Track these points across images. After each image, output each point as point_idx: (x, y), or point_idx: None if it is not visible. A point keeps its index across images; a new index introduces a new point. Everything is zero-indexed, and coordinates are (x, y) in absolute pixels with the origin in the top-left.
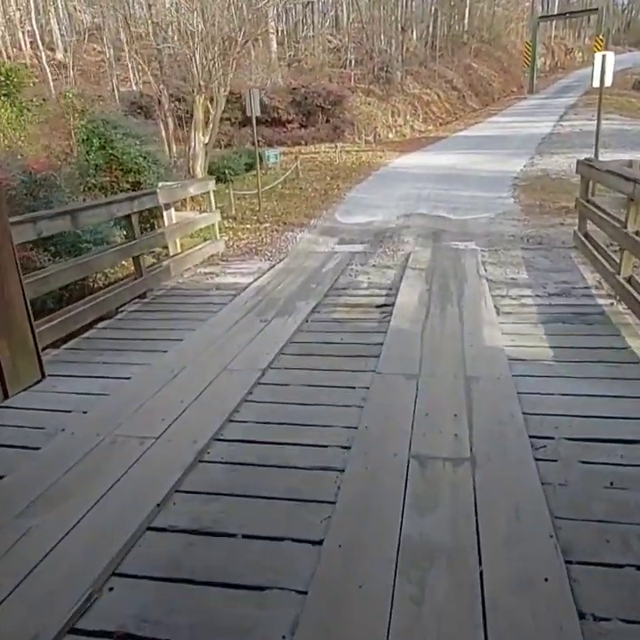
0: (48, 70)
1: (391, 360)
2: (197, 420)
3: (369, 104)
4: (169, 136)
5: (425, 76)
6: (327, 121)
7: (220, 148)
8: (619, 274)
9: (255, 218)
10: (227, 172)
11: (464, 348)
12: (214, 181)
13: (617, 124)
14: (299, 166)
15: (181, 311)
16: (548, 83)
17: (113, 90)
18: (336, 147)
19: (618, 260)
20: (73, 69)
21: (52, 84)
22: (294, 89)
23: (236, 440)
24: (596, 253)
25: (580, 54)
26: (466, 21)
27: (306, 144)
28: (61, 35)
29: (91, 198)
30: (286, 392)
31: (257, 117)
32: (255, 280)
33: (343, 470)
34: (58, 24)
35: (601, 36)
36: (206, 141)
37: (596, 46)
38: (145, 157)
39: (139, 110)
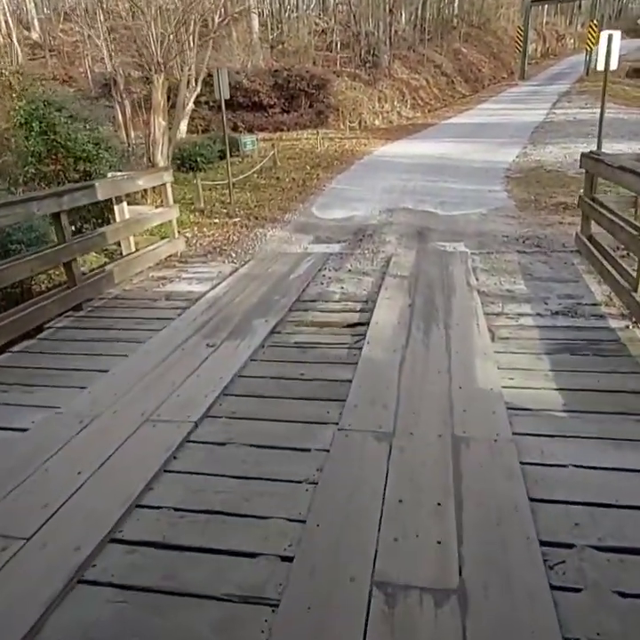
0: (19, 49)
1: (359, 408)
2: (88, 510)
3: (355, 89)
4: (126, 120)
5: (413, 60)
6: (311, 106)
7: (198, 133)
8: (635, 291)
9: (225, 211)
10: (199, 159)
11: (451, 389)
12: (171, 172)
13: (612, 112)
14: (277, 154)
15: (118, 329)
16: (540, 69)
17: (86, 71)
18: (317, 133)
19: (633, 273)
20: (48, 49)
21: (22, 62)
22: (276, 71)
23: (137, 542)
24: (603, 261)
25: (572, 41)
26: (456, 5)
27: (288, 130)
28: (37, 14)
29: (30, 190)
30: (220, 458)
31: (238, 102)
32: (212, 288)
33: (275, 606)
34: (34, 2)
35: (595, 22)
36: (167, 125)
37: (590, 32)
38: (97, 144)
39: (111, 92)
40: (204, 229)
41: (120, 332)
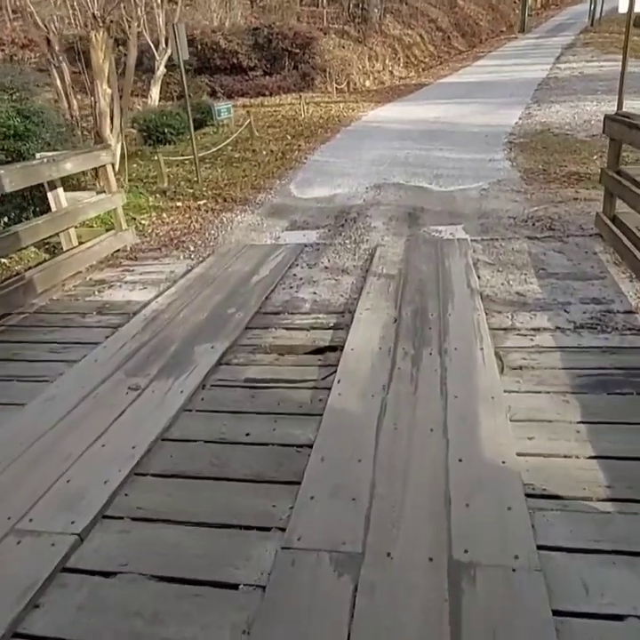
0: None
1: (317, 504)
2: None
3: (343, 47)
4: (66, 88)
5: (406, 14)
6: (295, 67)
7: (173, 100)
8: None
9: (191, 191)
10: (167, 131)
11: (448, 464)
12: (111, 150)
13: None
14: (254, 123)
15: (23, 360)
16: (541, 20)
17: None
18: (301, 98)
19: None
20: (11, 10)
21: None
22: (256, 30)
23: None
24: (634, 250)
25: None
26: None
27: (271, 94)
28: None
29: None
30: (103, 604)
31: (215, 64)
32: (156, 298)
33: None
34: None
35: None
36: (116, 93)
37: None
38: (27, 117)
39: (77, 57)
40: (164, 215)
41: (25, 367)
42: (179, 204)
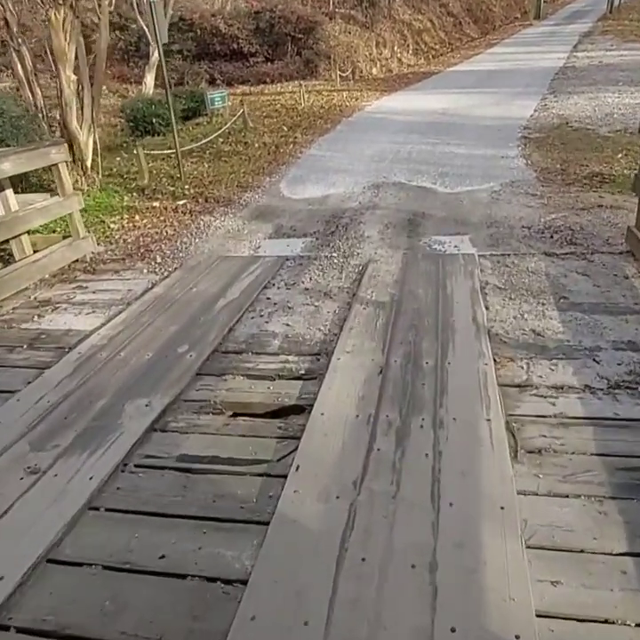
0: None
1: None
2: None
3: (349, 33)
4: (28, 74)
5: None
6: (298, 53)
7: (171, 87)
8: None
9: (172, 189)
10: (155, 121)
11: (435, 637)
12: (65, 147)
13: None
14: (247, 112)
15: None
16: (557, 7)
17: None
18: (301, 86)
19: None
20: None
21: None
22: (258, 14)
23: None
24: None
25: None
26: None
27: (272, 82)
28: None
29: None
30: None
31: (215, 50)
32: (101, 327)
33: None
34: None
35: None
36: (83, 80)
37: None
38: None
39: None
40: (137, 218)
41: None
42: (156, 204)
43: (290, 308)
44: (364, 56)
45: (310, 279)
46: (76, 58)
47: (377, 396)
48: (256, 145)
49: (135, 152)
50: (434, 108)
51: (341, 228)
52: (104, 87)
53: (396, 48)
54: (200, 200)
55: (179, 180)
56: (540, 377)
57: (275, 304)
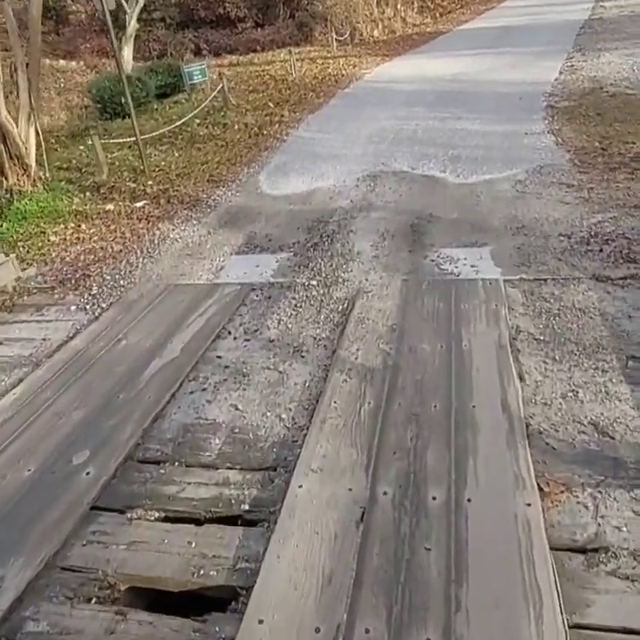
0: None
1: None
2: None
3: None
4: None
5: None
6: (291, 17)
7: (152, 60)
8: None
9: (133, 186)
10: (124, 102)
11: None
12: None
13: None
14: (231, 87)
15: None
16: None
17: None
18: (291, 54)
19: None
20: None
21: None
22: None
23: None
24: None
25: None
26: None
27: (263, 50)
28: None
29: None
30: None
31: (200, 16)
32: None
33: None
34: None
35: None
36: None
37: None
38: None
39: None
40: (83, 227)
41: None
42: (110, 206)
43: (245, 375)
44: (365, 16)
45: (278, 323)
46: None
47: (352, 577)
48: (236, 127)
49: (90, 142)
50: (442, 73)
51: (326, 238)
52: (81, 62)
53: (399, 6)
54: (162, 201)
55: (142, 174)
56: (618, 529)
57: (226, 368)
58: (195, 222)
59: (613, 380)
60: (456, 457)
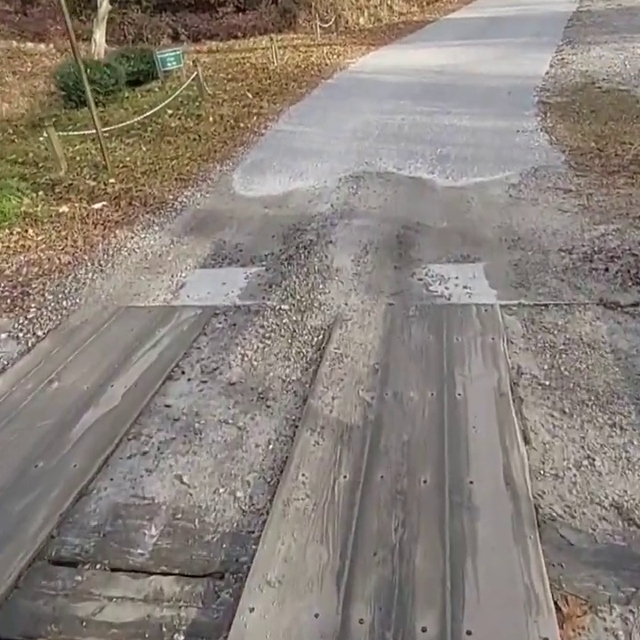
0: None
1: None
2: None
3: None
4: None
5: None
6: (274, 2)
7: (128, 44)
8: None
9: (92, 185)
10: (91, 89)
11: None
12: None
13: None
14: (209, 75)
15: None
16: None
17: None
18: (273, 41)
19: None
20: None
21: None
22: None
23: None
24: None
25: None
26: None
27: (244, 36)
28: None
29: None
30: None
31: (178, 0)
32: None
33: None
34: None
35: None
36: None
37: None
38: None
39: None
40: (31, 232)
41: None
42: (64, 208)
43: (197, 432)
44: (350, 3)
45: (242, 359)
46: None
47: None
48: (211, 118)
49: (45, 135)
50: (429, 64)
51: (303, 249)
52: (51, 45)
53: None
54: (123, 202)
55: (104, 171)
56: None
57: (175, 422)
58: (157, 229)
59: (634, 442)
60: (451, 559)
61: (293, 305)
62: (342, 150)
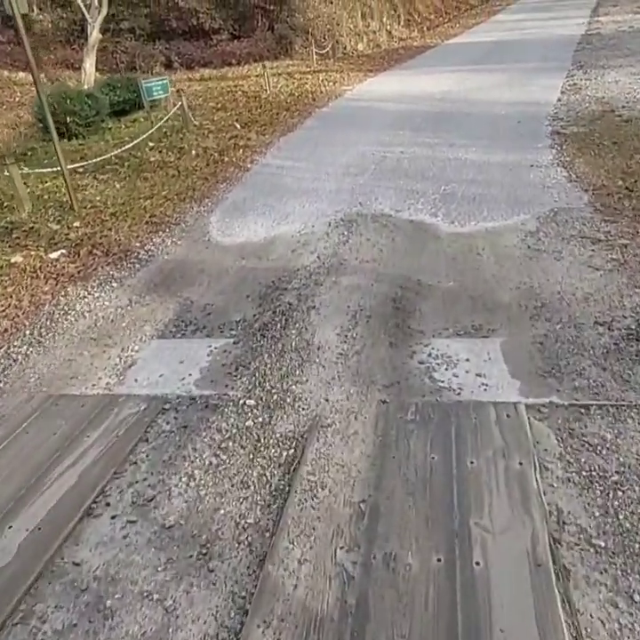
0: None
1: None
2: None
3: (331, 2)
4: None
5: None
6: (270, 29)
7: (120, 72)
8: None
9: (54, 228)
10: (70, 120)
11: None
12: None
13: None
14: (197, 104)
15: None
16: None
17: None
18: (265, 68)
19: None
20: None
21: None
22: None
23: None
24: None
25: None
26: None
27: (239, 63)
28: None
29: None
30: None
31: (171, 27)
32: None
33: None
34: None
35: None
36: None
37: None
38: None
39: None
40: None
41: None
42: (17, 258)
43: (106, 616)
44: (348, 29)
45: (187, 484)
46: None
47: None
48: (194, 152)
49: (6, 173)
50: (431, 91)
51: (280, 315)
52: (42, 75)
53: (385, 19)
54: (83, 251)
55: (71, 212)
56: None
57: (81, 593)
58: (115, 285)
59: None
60: None
61: (261, 399)
62: (334, 188)
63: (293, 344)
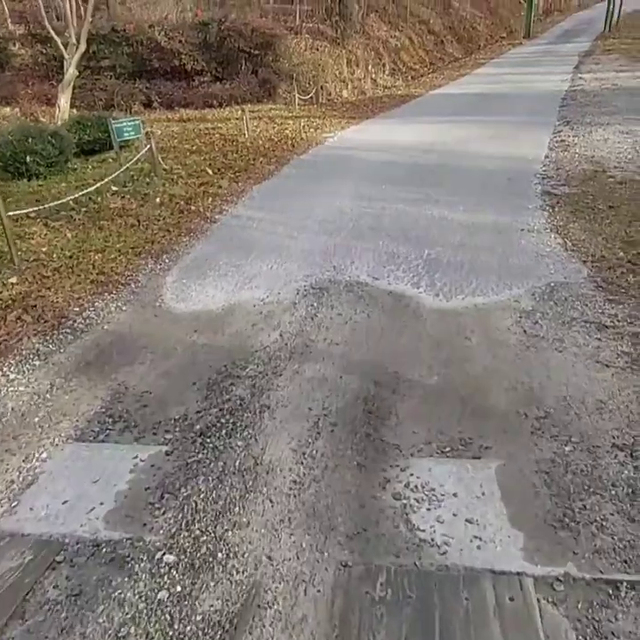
0: None
1: None
2: None
3: (317, 49)
4: None
5: (393, 14)
6: (254, 73)
7: (98, 110)
8: None
9: None
10: (29, 160)
11: None
12: None
13: None
14: (169, 146)
15: None
16: (546, 26)
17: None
18: (243, 111)
19: None
20: None
21: None
22: (204, 25)
23: None
24: None
25: None
26: None
27: (221, 105)
28: None
29: None
30: None
31: (153, 67)
32: None
33: None
34: None
35: None
36: None
37: None
38: None
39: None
40: None
41: None
42: None
43: None
44: (334, 75)
45: None
46: None
47: None
48: (158, 199)
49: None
50: (416, 142)
51: (228, 414)
52: (16, 110)
53: (370, 67)
54: (12, 315)
55: (9, 265)
56: None
57: None
58: (38, 362)
59: None
60: None
61: (185, 552)
62: (307, 248)
63: (237, 463)
